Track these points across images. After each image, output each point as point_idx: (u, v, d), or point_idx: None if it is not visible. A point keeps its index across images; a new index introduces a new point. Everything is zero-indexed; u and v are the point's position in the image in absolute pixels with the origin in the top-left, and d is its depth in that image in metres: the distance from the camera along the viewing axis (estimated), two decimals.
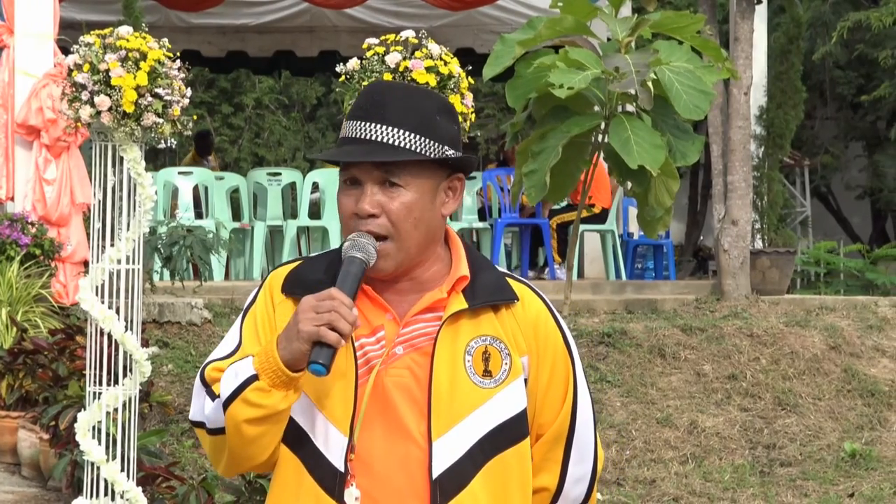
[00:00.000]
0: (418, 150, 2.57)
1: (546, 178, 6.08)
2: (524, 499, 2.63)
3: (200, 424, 2.62)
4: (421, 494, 2.53)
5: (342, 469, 2.53)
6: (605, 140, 6.23)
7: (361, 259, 2.52)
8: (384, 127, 2.57)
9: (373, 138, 2.56)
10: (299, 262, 2.70)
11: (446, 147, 2.60)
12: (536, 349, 2.64)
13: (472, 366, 2.57)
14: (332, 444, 2.54)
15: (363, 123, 2.58)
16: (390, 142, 2.56)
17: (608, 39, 6.62)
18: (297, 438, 2.58)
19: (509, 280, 2.68)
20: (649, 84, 5.97)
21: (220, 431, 2.56)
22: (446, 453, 2.54)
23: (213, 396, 2.57)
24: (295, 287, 2.62)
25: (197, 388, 2.63)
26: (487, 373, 2.58)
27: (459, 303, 2.60)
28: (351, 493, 2.52)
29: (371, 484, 2.53)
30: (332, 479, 2.53)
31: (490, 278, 2.65)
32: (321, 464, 2.54)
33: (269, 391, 2.48)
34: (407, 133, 2.57)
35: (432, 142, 2.59)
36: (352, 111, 2.63)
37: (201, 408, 2.60)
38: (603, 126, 6.22)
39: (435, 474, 2.53)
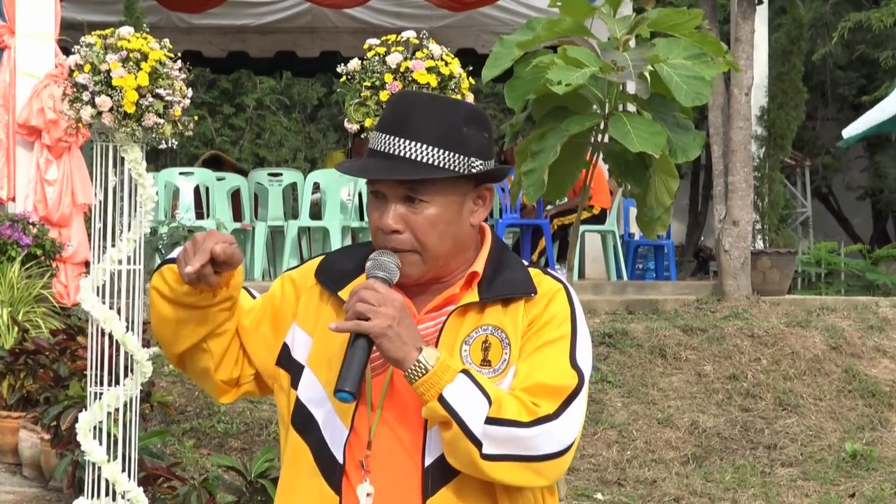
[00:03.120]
0: (442, 166, 2.55)
1: (544, 176, 6.08)
2: (509, 498, 2.60)
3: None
4: (413, 483, 2.55)
5: (341, 461, 2.56)
6: (604, 139, 6.24)
7: (384, 279, 2.54)
8: (406, 142, 2.55)
9: (396, 153, 2.55)
10: (341, 250, 2.77)
11: (473, 159, 2.58)
12: (526, 331, 2.60)
13: (469, 355, 2.57)
14: (335, 435, 2.57)
15: (386, 136, 2.58)
16: (414, 157, 2.55)
17: (608, 40, 6.62)
18: (307, 425, 2.61)
19: (536, 274, 2.65)
20: (646, 75, 5.98)
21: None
22: (439, 444, 2.54)
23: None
24: (323, 274, 2.68)
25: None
26: (486, 362, 2.57)
27: (471, 296, 2.60)
28: (364, 489, 2.54)
29: (381, 479, 2.55)
30: (332, 470, 2.57)
31: (512, 274, 2.63)
32: (324, 453, 2.58)
33: (168, 273, 2.65)
34: (430, 148, 2.55)
35: (457, 155, 2.56)
36: (378, 122, 2.63)
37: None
38: (602, 125, 6.22)
39: (426, 463, 2.54)
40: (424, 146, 2.55)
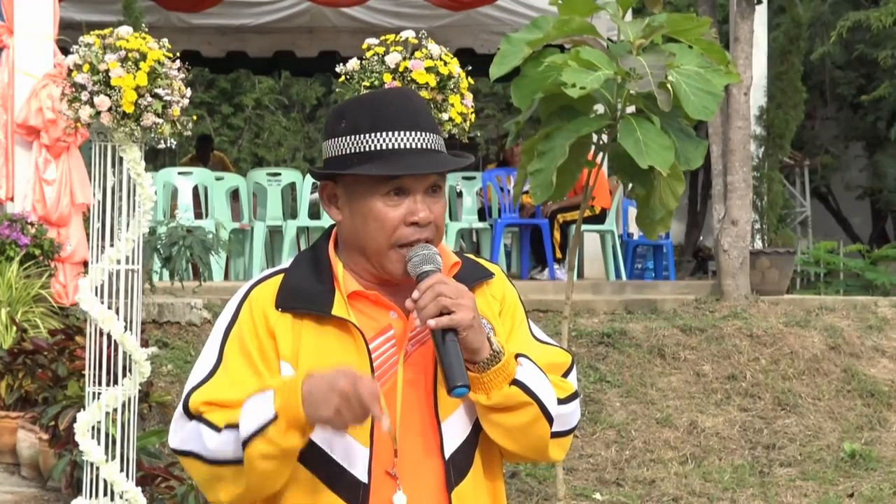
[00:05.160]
0: (447, 154, 2.64)
1: (552, 177, 6.09)
2: (502, 478, 2.70)
3: (190, 454, 2.54)
4: (438, 478, 2.55)
5: (366, 481, 2.53)
6: (610, 141, 6.24)
7: (437, 271, 2.53)
8: (429, 134, 2.60)
9: (428, 147, 2.58)
10: (281, 274, 2.65)
11: None
12: (500, 312, 2.70)
13: None
14: (352, 457, 2.53)
15: (411, 133, 2.58)
16: (438, 149, 2.60)
17: (610, 40, 6.62)
18: (309, 453, 2.54)
19: (479, 260, 2.75)
20: (668, 85, 5.98)
21: (222, 463, 2.50)
22: (455, 433, 2.57)
23: (215, 428, 2.50)
24: (293, 301, 2.59)
25: (180, 418, 2.56)
26: None
27: None
28: (399, 498, 2.53)
29: (409, 483, 2.55)
30: (354, 492, 2.53)
31: (467, 262, 2.71)
32: (343, 478, 2.53)
33: (286, 431, 2.44)
34: (440, 139, 2.63)
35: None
36: (383, 120, 2.58)
37: (195, 438, 2.52)
38: (609, 128, 6.22)
39: (447, 454, 2.56)
40: (439, 137, 2.62)
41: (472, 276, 2.67)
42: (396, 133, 2.57)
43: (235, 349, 2.58)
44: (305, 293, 2.59)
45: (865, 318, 10.36)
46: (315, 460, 2.54)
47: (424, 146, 2.58)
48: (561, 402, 2.60)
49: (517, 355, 2.56)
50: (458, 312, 2.46)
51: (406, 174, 2.55)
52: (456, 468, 2.56)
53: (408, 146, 2.56)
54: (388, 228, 2.56)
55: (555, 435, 2.60)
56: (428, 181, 2.58)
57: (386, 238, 2.56)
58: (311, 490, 2.55)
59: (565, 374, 2.68)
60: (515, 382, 2.52)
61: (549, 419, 2.56)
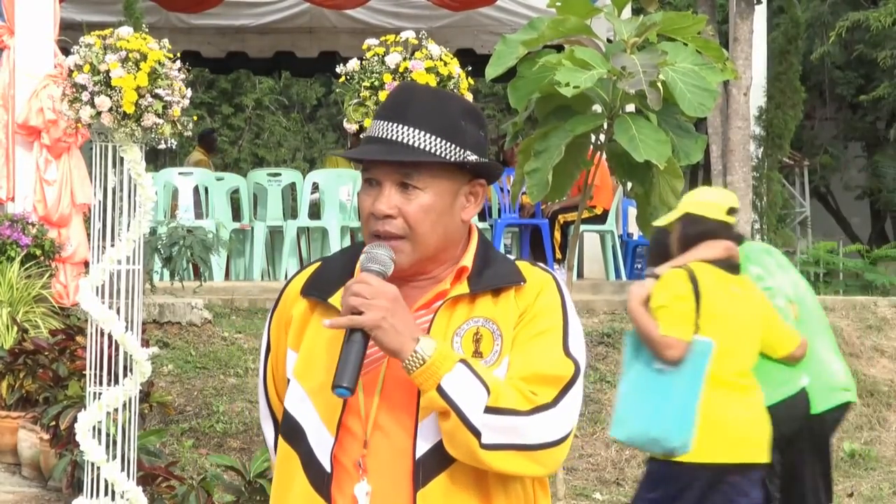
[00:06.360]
0: (437, 153, 2.57)
1: (548, 176, 6.09)
2: (503, 490, 2.60)
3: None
4: (405, 476, 2.54)
5: (329, 469, 2.55)
6: (608, 140, 6.24)
7: (378, 271, 2.53)
8: (405, 127, 2.57)
9: (393, 138, 2.57)
10: (319, 263, 2.72)
11: (468, 152, 2.59)
12: (518, 323, 2.60)
13: (461, 348, 2.56)
14: (321, 444, 2.57)
15: (385, 123, 2.59)
16: (410, 143, 2.56)
17: (608, 41, 6.63)
18: (295, 434, 2.61)
19: (524, 266, 2.66)
20: (658, 84, 5.98)
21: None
22: (430, 435, 2.54)
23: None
24: (312, 289, 2.66)
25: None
26: (478, 353, 2.56)
27: (460, 289, 2.60)
28: (362, 488, 2.54)
29: (376, 476, 2.55)
30: (320, 478, 2.56)
31: (499, 267, 2.64)
32: (312, 462, 2.58)
33: None
34: (427, 135, 2.57)
35: (453, 145, 2.58)
36: (377, 110, 2.65)
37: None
38: (606, 126, 6.23)
39: (418, 455, 2.53)
40: (420, 132, 2.56)
41: (489, 282, 2.61)
42: (380, 122, 2.60)
43: (276, 333, 2.74)
44: (324, 281, 2.65)
45: (865, 318, 10.36)
46: (295, 438, 2.60)
47: (395, 138, 2.57)
48: (513, 412, 2.48)
49: (460, 361, 2.49)
50: (367, 312, 2.46)
51: (367, 161, 2.58)
52: (425, 469, 2.53)
53: (379, 135, 2.58)
54: (363, 216, 2.61)
55: (510, 447, 2.48)
56: (394, 175, 2.56)
57: (364, 225, 2.61)
58: (293, 469, 2.60)
59: (564, 390, 2.53)
60: (438, 388, 2.48)
61: (472, 429, 2.46)
